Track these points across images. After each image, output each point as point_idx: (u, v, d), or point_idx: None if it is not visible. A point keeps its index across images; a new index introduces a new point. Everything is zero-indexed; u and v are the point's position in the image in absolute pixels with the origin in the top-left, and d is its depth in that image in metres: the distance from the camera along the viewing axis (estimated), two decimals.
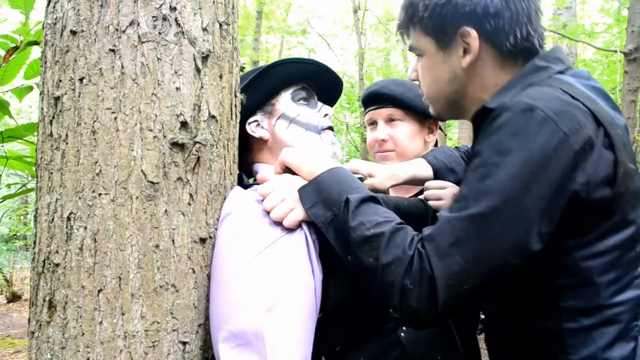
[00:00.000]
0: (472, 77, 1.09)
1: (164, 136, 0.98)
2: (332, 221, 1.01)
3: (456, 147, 1.60)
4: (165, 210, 0.98)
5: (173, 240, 0.98)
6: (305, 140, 1.28)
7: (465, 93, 1.11)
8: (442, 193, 1.32)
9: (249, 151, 1.34)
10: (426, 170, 1.41)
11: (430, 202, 1.32)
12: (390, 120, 1.75)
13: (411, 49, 1.17)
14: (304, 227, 1.06)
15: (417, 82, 1.24)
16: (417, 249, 0.90)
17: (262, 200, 1.06)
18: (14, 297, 8.87)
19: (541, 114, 0.89)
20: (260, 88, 1.27)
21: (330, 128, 1.33)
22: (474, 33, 1.04)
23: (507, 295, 1.05)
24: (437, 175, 1.42)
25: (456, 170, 1.44)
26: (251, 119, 1.29)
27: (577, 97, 0.93)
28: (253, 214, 1.05)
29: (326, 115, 1.33)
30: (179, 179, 1.00)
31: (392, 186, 1.34)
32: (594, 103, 0.95)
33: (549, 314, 0.98)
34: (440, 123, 1.89)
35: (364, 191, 1.03)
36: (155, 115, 0.98)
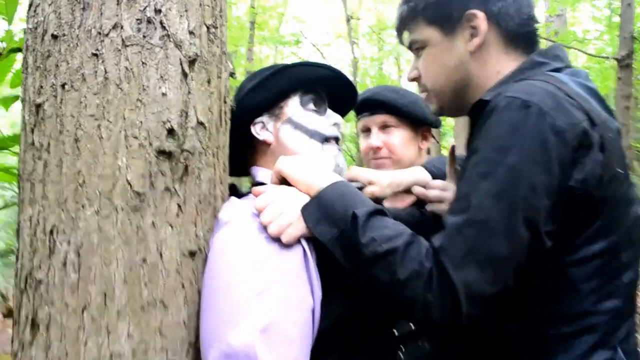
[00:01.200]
0: (477, 62, 1.11)
1: (150, 144, 0.95)
2: (338, 238, 0.98)
3: None
4: (152, 222, 0.94)
5: (161, 254, 0.94)
6: (308, 148, 1.23)
7: (470, 81, 1.13)
8: (444, 196, 1.30)
9: (251, 152, 1.30)
10: (427, 178, 1.38)
11: (431, 205, 1.31)
12: (384, 127, 1.72)
13: (412, 44, 1.18)
14: (303, 242, 1.01)
15: (414, 82, 1.23)
16: (434, 261, 0.90)
17: (258, 214, 1.02)
18: (10, 313, 8.81)
19: (538, 110, 0.90)
20: (270, 88, 1.23)
21: (337, 139, 1.29)
22: (481, 14, 1.08)
23: None
24: None
25: None
26: (257, 120, 1.25)
27: (572, 96, 0.95)
28: (249, 227, 1.00)
29: (335, 124, 1.29)
30: (167, 189, 0.96)
31: (394, 193, 1.31)
32: (588, 103, 0.96)
33: (530, 320, 0.99)
34: (434, 132, 1.87)
35: (369, 204, 1.00)
36: (141, 122, 0.94)
